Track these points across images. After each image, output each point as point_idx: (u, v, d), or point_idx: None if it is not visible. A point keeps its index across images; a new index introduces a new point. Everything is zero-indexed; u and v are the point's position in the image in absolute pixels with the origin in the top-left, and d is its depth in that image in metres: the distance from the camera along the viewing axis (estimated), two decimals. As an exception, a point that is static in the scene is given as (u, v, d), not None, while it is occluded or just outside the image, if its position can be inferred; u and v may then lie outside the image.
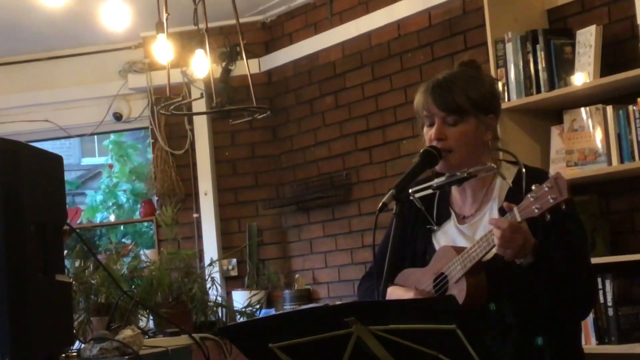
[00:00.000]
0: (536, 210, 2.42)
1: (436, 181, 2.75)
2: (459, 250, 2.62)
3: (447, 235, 2.77)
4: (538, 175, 2.66)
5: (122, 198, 10.20)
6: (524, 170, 2.70)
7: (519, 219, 2.45)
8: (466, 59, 2.83)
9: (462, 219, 2.77)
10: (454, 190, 2.81)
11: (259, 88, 6.12)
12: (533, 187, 2.43)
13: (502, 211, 2.60)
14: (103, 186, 10.42)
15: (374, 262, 2.84)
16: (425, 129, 2.76)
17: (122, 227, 9.82)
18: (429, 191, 2.77)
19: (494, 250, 2.52)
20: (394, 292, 2.73)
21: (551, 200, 2.39)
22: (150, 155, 10.44)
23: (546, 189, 2.40)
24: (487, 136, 2.73)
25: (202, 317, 3.92)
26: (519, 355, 2.58)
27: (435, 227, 2.80)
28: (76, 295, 3.64)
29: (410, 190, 2.77)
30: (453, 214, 2.79)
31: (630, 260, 4.28)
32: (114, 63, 7.01)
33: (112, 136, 10.50)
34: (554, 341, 2.59)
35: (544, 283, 2.53)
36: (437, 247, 2.76)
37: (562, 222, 2.57)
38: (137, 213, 8.68)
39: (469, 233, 2.72)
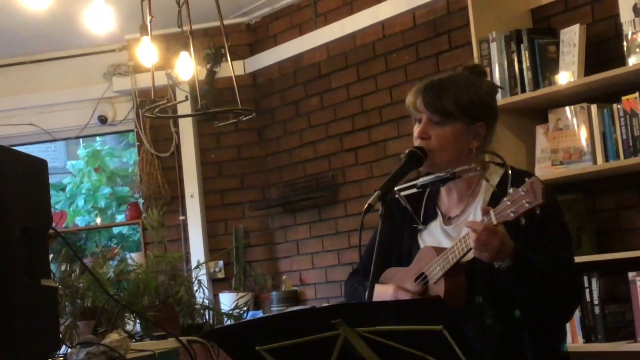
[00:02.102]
0: (512, 214, 2.42)
1: (420, 180, 2.76)
2: (439, 251, 2.63)
3: (432, 235, 2.78)
4: (523, 177, 2.66)
5: (101, 202, 10.19)
6: (510, 172, 2.71)
7: (494, 222, 2.46)
8: (471, 63, 2.85)
9: (447, 220, 2.78)
10: (442, 190, 2.81)
11: (244, 90, 6.11)
12: (510, 191, 2.44)
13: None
14: (84, 190, 10.38)
15: (361, 262, 2.84)
16: (415, 126, 2.76)
17: (104, 231, 9.83)
18: (414, 190, 2.78)
19: (472, 253, 2.53)
20: (376, 291, 2.73)
21: (526, 205, 2.40)
22: (125, 159, 10.48)
23: (522, 193, 2.41)
24: (473, 143, 2.72)
25: (189, 320, 3.91)
26: (500, 354, 2.59)
27: (421, 227, 2.80)
28: (62, 299, 3.64)
29: (395, 189, 2.78)
30: (439, 214, 2.80)
31: (616, 259, 4.29)
32: (98, 66, 7.00)
33: (81, 146, 10.51)
34: (536, 341, 2.60)
35: (523, 286, 2.54)
36: (422, 246, 2.76)
37: (545, 226, 2.57)
38: (122, 216, 8.67)
39: (453, 234, 2.72)
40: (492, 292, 2.59)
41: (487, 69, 4.60)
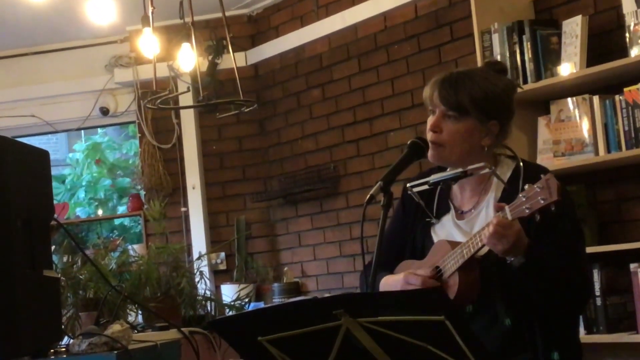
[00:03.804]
0: (527, 211, 2.42)
1: (433, 177, 2.76)
2: (453, 245, 2.62)
3: (445, 229, 2.78)
4: (535, 171, 2.66)
5: (102, 194, 10.21)
6: (521, 164, 2.71)
7: (509, 217, 2.46)
8: (493, 59, 2.84)
9: (460, 214, 2.78)
10: (454, 185, 2.81)
11: (245, 81, 6.11)
12: (525, 187, 2.44)
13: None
14: (84, 182, 10.39)
15: (363, 254, 2.85)
16: (429, 118, 2.75)
17: (106, 223, 9.85)
18: (425, 186, 2.78)
19: (486, 248, 2.53)
20: (387, 281, 2.74)
21: (541, 201, 2.40)
22: (125, 150, 10.48)
23: (537, 189, 2.41)
24: (485, 141, 2.71)
25: (191, 311, 3.92)
26: (510, 348, 2.59)
27: (434, 221, 2.81)
28: (64, 290, 3.64)
29: (407, 185, 2.79)
30: (452, 208, 2.80)
31: (617, 250, 4.29)
32: (100, 57, 7.00)
33: (82, 139, 10.51)
34: (549, 336, 2.60)
35: (535, 283, 2.54)
36: (435, 240, 2.77)
37: (556, 222, 2.57)
38: (124, 208, 8.67)
39: (466, 228, 2.73)
40: (505, 288, 2.59)
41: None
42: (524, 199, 2.43)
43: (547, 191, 2.39)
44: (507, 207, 2.47)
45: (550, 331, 2.61)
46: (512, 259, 2.51)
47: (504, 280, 2.58)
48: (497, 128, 2.72)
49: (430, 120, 2.73)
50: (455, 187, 2.82)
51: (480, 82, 2.69)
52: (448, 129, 2.69)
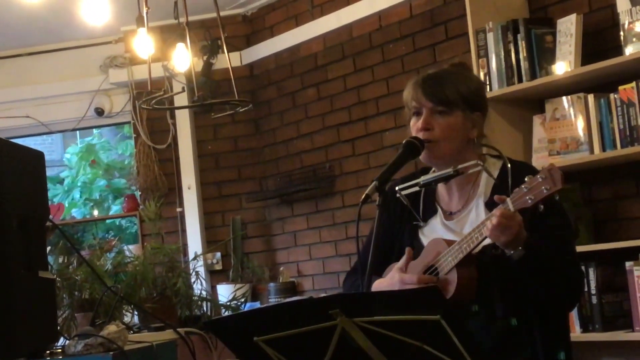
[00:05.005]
0: (529, 201, 2.42)
1: (423, 178, 2.75)
2: (449, 242, 2.62)
3: (434, 232, 2.77)
4: (523, 168, 2.67)
5: (97, 194, 10.21)
6: (509, 165, 2.71)
7: (512, 209, 2.46)
8: (456, 61, 2.90)
9: (449, 215, 2.78)
10: (440, 186, 2.81)
11: (240, 81, 6.10)
12: (526, 179, 2.44)
13: (488, 206, 2.61)
14: (79, 182, 10.39)
15: (359, 257, 2.84)
16: (412, 120, 2.76)
17: (101, 223, 9.84)
18: (416, 188, 2.77)
19: (485, 242, 2.53)
20: (380, 284, 2.73)
21: (545, 191, 2.40)
22: (120, 151, 10.48)
23: (540, 179, 2.41)
24: (473, 133, 2.74)
25: (187, 311, 3.92)
26: (503, 343, 2.59)
27: (421, 223, 2.80)
28: (60, 291, 3.64)
29: (396, 188, 2.78)
30: (440, 210, 2.80)
31: (613, 248, 4.30)
32: (94, 58, 6.99)
33: (77, 142, 10.50)
34: (542, 330, 2.60)
35: (533, 277, 2.54)
36: (424, 242, 2.75)
37: (546, 217, 2.57)
38: (118, 208, 8.66)
39: (456, 228, 2.72)
40: (502, 283, 2.59)
41: (484, 59, 4.61)
42: (525, 190, 2.44)
43: (551, 180, 2.40)
44: (508, 200, 2.47)
45: (555, 331, 2.62)
46: (512, 252, 2.51)
47: (503, 275, 2.58)
48: (482, 119, 2.76)
49: (415, 121, 2.74)
50: (442, 189, 2.82)
51: (459, 77, 2.75)
52: (439, 124, 2.71)
